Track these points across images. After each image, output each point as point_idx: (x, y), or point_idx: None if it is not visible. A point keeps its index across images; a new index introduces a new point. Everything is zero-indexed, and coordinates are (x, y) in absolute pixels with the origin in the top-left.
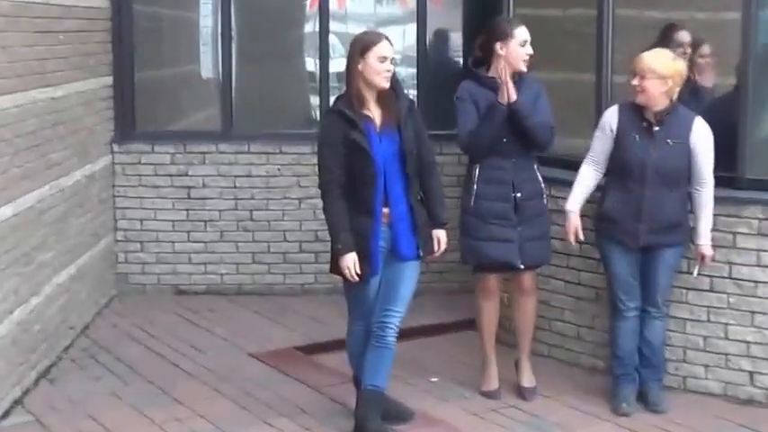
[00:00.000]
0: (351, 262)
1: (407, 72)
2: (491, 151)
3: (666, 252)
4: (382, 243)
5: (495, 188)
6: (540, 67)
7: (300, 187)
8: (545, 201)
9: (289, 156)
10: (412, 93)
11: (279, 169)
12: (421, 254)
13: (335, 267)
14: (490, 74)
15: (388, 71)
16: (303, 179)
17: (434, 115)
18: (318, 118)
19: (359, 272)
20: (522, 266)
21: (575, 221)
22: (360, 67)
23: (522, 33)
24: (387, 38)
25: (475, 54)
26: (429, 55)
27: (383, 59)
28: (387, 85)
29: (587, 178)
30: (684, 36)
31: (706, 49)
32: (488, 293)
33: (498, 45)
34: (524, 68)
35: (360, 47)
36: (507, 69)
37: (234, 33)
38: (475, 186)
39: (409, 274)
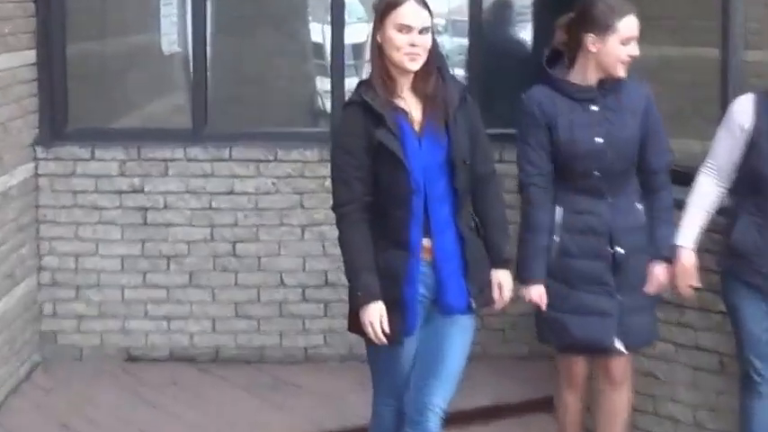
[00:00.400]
0: (376, 315)
1: (454, 44)
2: (576, 188)
3: None
4: (422, 289)
5: (585, 240)
6: (642, 38)
7: (304, 209)
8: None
9: (287, 165)
10: (460, 75)
11: (273, 183)
12: (475, 305)
13: (355, 323)
14: (573, 75)
15: (414, 46)
16: (308, 197)
17: (491, 107)
18: (330, 111)
19: (387, 330)
20: (623, 349)
21: (689, 261)
22: (379, 38)
23: (627, 27)
24: None
25: (553, 44)
26: (487, 22)
27: (405, 29)
28: (412, 65)
29: (707, 196)
30: None
31: None
32: (574, 383)
33: (590, 39)
34: (622, 73)
35: (379, 10)
36: (595, 72)
37: None
38: (556, 237)
39: (459, 335)
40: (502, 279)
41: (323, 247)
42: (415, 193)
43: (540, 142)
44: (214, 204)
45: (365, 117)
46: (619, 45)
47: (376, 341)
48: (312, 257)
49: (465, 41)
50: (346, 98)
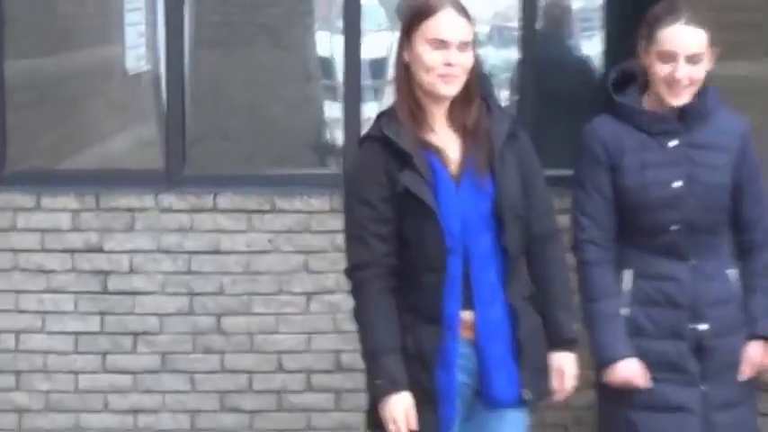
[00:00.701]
0: (400, 410)
1: (499, 58)
2: (650, 247)
3: None
4: (461, 376)
5: (662, 314)
6: (726, 52)
7: (310, 273)
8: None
9: (288, 216)
10: (507, 99)
11: (270, 241)
12: (529, 397)
13: (374, 419)
14: (647, 102)
15: (449, 66)
16: (315, 258)
17: (546, 142)
18: (343, 146)
19: (416, 428)
20: None
21: None
22: (406, 56)
23: (669, 37)
24: (457, 3)
25: (623, 66)
26: (543, 31)
27: (439, 45)
28: (447, 90)
29: None
30: None
31: None
32: None
33: (642, 44)
34: (674, 100)
35: (406, 20)
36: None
37: None
38: (624, 310)
39: None
40: (564, 363)
41: (333, 321)
42: (451, 253)
43: (599, 187)
44: (194, 267)
45: (387, 156)
46: (656, 61)
47: None
48: (320, 335)
49: (514, 55)
50: (363, 130)
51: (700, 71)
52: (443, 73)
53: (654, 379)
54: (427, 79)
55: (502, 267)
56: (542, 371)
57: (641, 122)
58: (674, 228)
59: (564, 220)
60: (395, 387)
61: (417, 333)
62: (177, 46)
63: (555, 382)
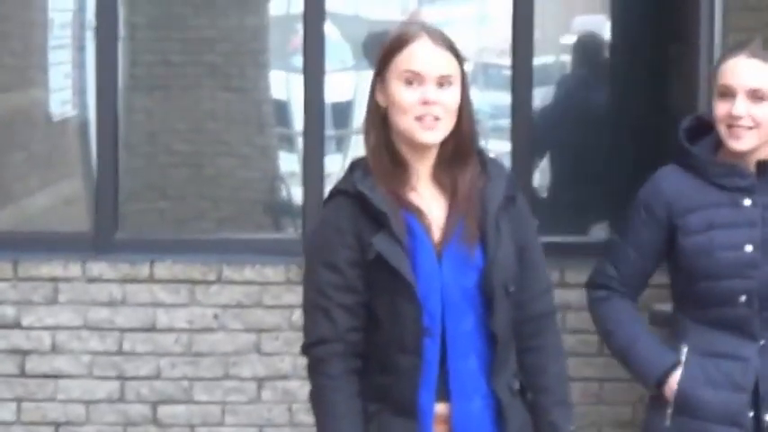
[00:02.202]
0: None
1: (486, 101)
2: (713, 320)
3: None
4: None
5: (718, 395)
6: None
7: (262, 355)
8: None
9: (237, 288)
10: (497, 151)
11: (216, 316)
12: None
13: None
14: (722, 154)
15: (427, 104)
16: (267, 338)
17: (545, 204)
18: (302, 206)
19: None
20: None
21: None
22: (380, 100)
23: (729, 70)
24: (435, 33)
25: (699, 115)
26: (542, 68)
27: (414, 79)
28: (426, 137)
29: None
30: None
31: None
32: None
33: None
34: (733, 144)
35: (379, 57)
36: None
37: (122, 28)
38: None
39: None
40: None
41: (289, 412)
42: (427, 335)
43: (640, 246)
44: (126, 347)
45: (358, 216)
46: (717, 101)
47: None
48: (273, 428)
49: (505, 99)
50: (326, 187)
51: (766, 111)
52: (420, 114)
53: None
54: (403, 124)
55: (486, 354)
56: None
57: (714, 175)
58: (742, 299)
59: (566, 296)
60: None
61: (384, 425)
62: (109, 88)
63: None
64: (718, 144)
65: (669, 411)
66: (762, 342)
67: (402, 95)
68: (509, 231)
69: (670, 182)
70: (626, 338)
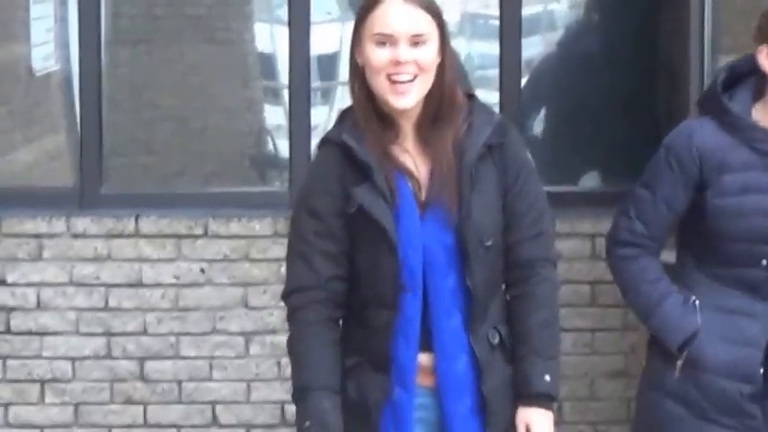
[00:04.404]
0: None
1: (476, 53)
2: (732, 280)
3: None
4: (422, 430)
5: (732, 350)
6: None
7: (250, 309)
8: None
9: (224, 242)
10: (490, 102)
11: (203, 270)
12: None
13: None
14: (756, 114)
15: (398, 64)
16: (255, 292)
17: (536, 156)
18: (289, 159)
19: None
20: None
21: None
22: (357, 56)
23: None
24: None
25: (735, 64)
26: (531, 19)
27: (386, 40)
28: (398, 101)
29: None
30: None
31: None
32: None
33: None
34: None
35: (357, 15)
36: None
37: None
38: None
39: None
40: (532, 421)
41: (277, 366)
42: (406, 291)
43: (672, 201)
44: (112, 302)
45: (344, 166)
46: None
47: None
48: (262, 382)
49: (493, 49)
50: (313, 140)
51: None
52: (392, 73)
53: (713, 422)
54: (377, 85)
55: (469, 309)
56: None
57: (752, 139)
58: (764, 263)
59: (560, 247)
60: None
61: (362, 380)
62: (92, 42)
63: None
64: (756, 99)
65: (680, 363)
66: None
67: (374, 56)
68: (493, 180)
69: (704, 137)
70: (652, 299)
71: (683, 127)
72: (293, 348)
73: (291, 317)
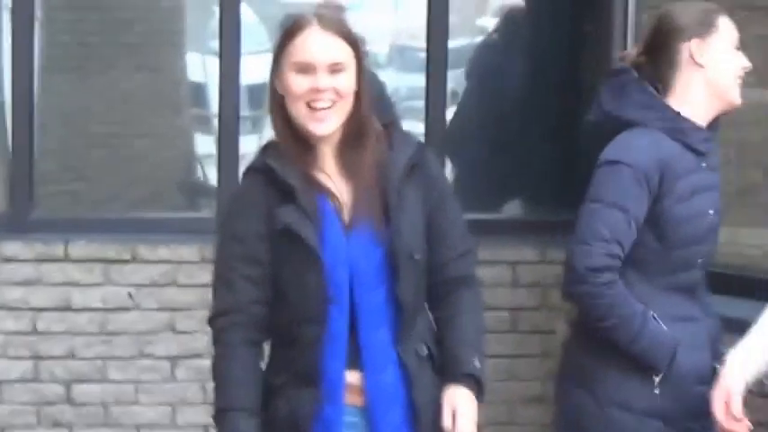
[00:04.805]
0: None
1: (402, 83)
2: (674, 285)
3: None
4: None
5: (693, 356)
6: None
7: (176, 333)
8: None
9: (152, 267)
10: (416, 132)
11: (131, 295)
12: None
13: None
14: (687, 112)
15: (318, 91)
16: (182, 316)
17: (462, 184)
18: (217, 187)
19: None
20: None
21: (731, 386)
22: (277, 85)
23: (728, 26)
24: (327, 20)
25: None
26: (457, 50)
27: (305, 68)
28: (317, 128)
29: None
30: None
31: None
32: None
33: (694, 44)
34: (739, 100)
35: (275, 44)
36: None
37: (38, 9)
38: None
39: None
40: (457, 400)
41: (203, 390)
42: (333, 305)
43: (639, 216)
44: (40, 326)
45: (268, 190)
46: (727, 52)
47: None
48: (187, 406)
49: (420, 80)
50: (241, 167)
51: None
52: (311, 100)
53: (687, 428)
54: (296, 112)
55: (398, 324)
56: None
57: (696, 141)
58: (699, 262)
59: (482, 274)
60: None
61: (292, 396)
62: (25, 69)
63: (445, 421)
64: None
65: (657, 379)
66: (704, 300)
67: (294, 84)
68: (417, 199)
69: (661, 149)
70: (636, 321)
71: (638, 141)
72: (215, 370)
73: (215, 340)
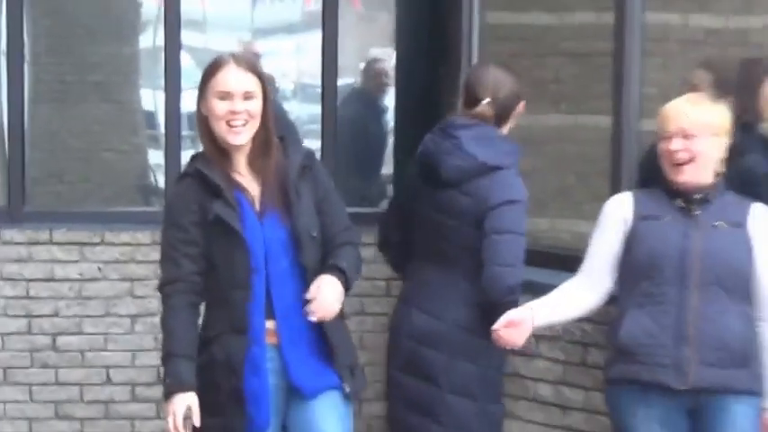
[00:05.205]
0: (180, 407)
1: (305, 112)
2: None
3: (734, 406)
4: (273, 378)
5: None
6: (529, 106)
7: (135, 298)
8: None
9: (116, 248)
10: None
11: (100, 269)
12: (349, 389)
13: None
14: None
15: (234, 113)
16: (139, 285)
17: (345, 183)
18: (164, 187)
19: (197, 425)
20: None
21: (522, 319)
22: (202, 109)
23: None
24: (241, 59)
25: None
26: (345, 87)
27: (225, 96)
28: (234, 139)
29: (570, 292)
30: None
31: None
32: None
33: None
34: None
35: (201, 78)
36: None
37: (27, 54)
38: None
39: (330, 411)
40: (323, 280)
41: (155, 340)
42: (255, 273)
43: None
44: (32, 292)
45: (200, 190)
46: None
47: None
48: (143, 352)
49: (316, 109)
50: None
51: None
52: (230, 120)
53: None
54: (218, 128)
55: (299, 284)
56: (356, 366)
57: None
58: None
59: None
60: (180, 387)
61: (225, 342)
62: (17, 101)
63: (311, 292)
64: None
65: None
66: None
67: (217, 108)
68: (309, 191)
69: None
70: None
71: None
72: (164, 325)
73: (163, 302)
